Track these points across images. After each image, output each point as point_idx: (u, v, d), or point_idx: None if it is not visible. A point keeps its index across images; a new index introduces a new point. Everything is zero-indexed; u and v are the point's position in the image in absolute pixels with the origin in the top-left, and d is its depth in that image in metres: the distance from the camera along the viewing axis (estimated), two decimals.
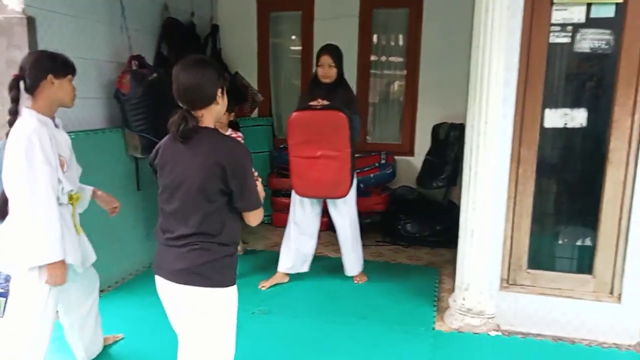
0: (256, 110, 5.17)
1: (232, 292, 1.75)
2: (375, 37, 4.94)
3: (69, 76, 2.12)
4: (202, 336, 1.73)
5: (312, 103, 3.15)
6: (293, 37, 5.27)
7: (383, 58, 5.00)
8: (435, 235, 4.32)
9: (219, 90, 1.69)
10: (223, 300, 1.73)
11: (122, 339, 2.76)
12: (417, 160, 4.84)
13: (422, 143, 4.83)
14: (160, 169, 1.74)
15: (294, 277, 3.55)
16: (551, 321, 2.83)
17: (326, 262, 3.87)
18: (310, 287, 3.49)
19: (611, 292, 2.77)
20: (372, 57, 4.95)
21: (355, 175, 3.33)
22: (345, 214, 3.39)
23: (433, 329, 2.92)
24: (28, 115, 2.01)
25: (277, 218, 4.73)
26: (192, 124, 1.63)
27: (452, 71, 4.38)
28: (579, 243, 2.86)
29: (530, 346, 2.75)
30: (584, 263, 2.82)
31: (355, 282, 3.55)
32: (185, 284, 1.68)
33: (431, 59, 4.68)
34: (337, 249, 3.56)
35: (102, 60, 3.47)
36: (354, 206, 3.43)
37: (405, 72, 4.89)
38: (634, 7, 2.50)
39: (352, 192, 3.33)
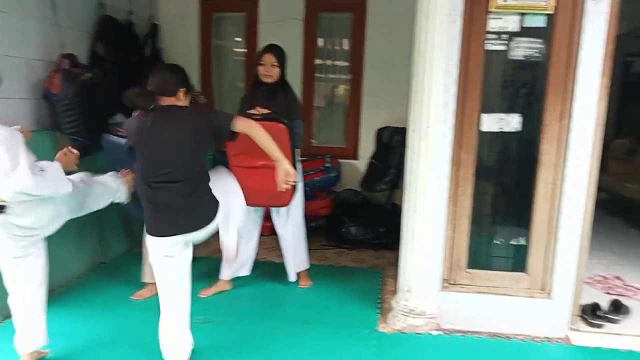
0: None
1: None
2: (320, 41, 4.96)
3: None
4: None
5: (251, 112, 3.07)
6: (237, 39, 5.19)
7: (328, 62, 5.02)
8: (379, 237, 4.37)
9: (183, 89, 2.30)
10: None
11: (48, 354, 2.58)
12: (362, 163, 4.91)
13: (366, 146, 4.89)
14: (139, 147, 2.24)
15: (237, 284, 3.48)
16: (488, 319, 2.93)
17: (270, 267, 3.82)
18: (253, 294, 3.42)
19: (542, 289, 2.90)
20: (317, 61, 4.96)
21: (300, 181, 3.29)
22: (288, 221, 3.35)
23: (376, 330, 2.94)
24: None
25: None
26: (152, 99, 2.22)
27: (395, 76, 4.47)
28: (514, 242, 2.97)
29: (469, 344, 2.83)
30: (519, 261, 2.94)
31: (300, 286, 3.52)
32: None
33: (375, 64, 4.75)
34: (282, 254, 3.52)
35: (31, 59, 3.26)
36: (298, 213, 3.40)
37: (350, 76, 4.93)
38: (562, 18, 2.64)
39: (297, 201, 3.30)
